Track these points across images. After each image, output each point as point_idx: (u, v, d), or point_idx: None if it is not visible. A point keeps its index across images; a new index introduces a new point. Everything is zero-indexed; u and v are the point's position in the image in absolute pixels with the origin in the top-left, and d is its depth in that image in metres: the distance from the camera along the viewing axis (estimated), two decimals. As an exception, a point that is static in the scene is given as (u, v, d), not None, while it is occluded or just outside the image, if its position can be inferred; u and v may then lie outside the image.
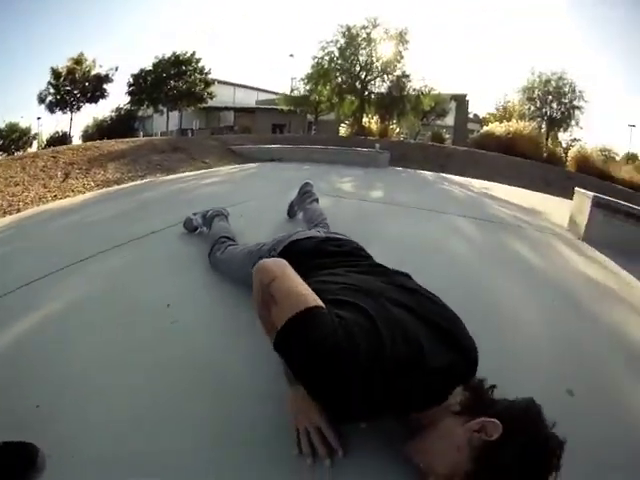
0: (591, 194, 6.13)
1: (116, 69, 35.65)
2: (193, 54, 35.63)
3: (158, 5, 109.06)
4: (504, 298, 3.21)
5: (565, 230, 6.33)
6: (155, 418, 1.67)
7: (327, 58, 27.93)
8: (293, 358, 1.45)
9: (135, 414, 1.68)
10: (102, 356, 2.00)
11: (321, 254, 2.37)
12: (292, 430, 1.61)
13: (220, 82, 38.43)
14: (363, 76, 28.09)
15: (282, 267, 1.68)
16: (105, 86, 35.83)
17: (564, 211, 7.01)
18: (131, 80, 35.35)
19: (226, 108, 44.27)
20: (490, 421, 1.37)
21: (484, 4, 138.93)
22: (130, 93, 35.78)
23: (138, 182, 7.78)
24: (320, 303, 1.50)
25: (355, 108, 28.52)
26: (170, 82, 34.50)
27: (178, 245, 3.61)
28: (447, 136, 32.27)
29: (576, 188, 6.86)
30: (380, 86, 28.79)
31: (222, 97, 40.10)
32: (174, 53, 35.37)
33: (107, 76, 35.50)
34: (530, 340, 2.61)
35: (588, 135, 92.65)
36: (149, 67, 35.26)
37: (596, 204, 5.95)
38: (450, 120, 38.77)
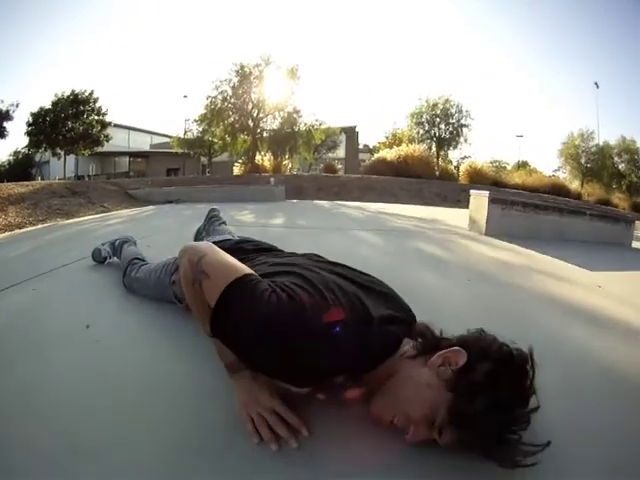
0: (486, 192, 6.52)
1: (17, 105, 33.15)
2: (91, 93, 34.14)
3: (62, 38, 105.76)
4: (423, 285, 3.37)
5: (466, 230, 6.70)
6: (96, 433, 1.46)
7: (220, 97, 28.03)
8: (235, 329, 1.39)
9: (73, 431, 1.48)
10: (30, 378, 1.82)
11: (240, 252, 2.32)
12: (246, 421, 1.47)
13: (115, 126, 37.23)
14: (255, 114, 28.35)
15: (209, 245, 1.67)
16: (5, 124, 32.40)
17: (462, 216, 7.45)
18: (30, 119, 33.26)
19: (121, 153, 43.37)
20: (451, 350, 1.38)
21: (373, 39, 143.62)
22: (29, 133, 33.26)
23: (41, 225, 7.60)
24: (253, 272, 1.50)
25: (248, 146, 28.64)
26: (68, 123, 32.71)
27: (89, 275, 3.45)
28: (339, 166, 32.96)
29: (472, 191, 7.23)
30: (272, 123, 29.22)
31: (117, 141, 38.77)
32: (73, 91, 33.66)
33: (7, 113, 31.92)
34: (457, 311, 2.77)
35: (481, 149, 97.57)
36: (48, 106, 33.40)
37: (493, 200, 6.39)
38: (342, 152, 39.49)
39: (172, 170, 37.13)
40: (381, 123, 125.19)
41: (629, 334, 2.56)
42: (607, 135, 53.23)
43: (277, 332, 1.32)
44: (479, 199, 6.73)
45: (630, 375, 2.01)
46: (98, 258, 3.72)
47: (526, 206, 6.64)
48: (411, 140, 36.00)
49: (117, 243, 3.69)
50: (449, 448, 1.32)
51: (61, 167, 34.60)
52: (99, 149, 34.95)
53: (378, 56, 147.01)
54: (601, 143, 39.13)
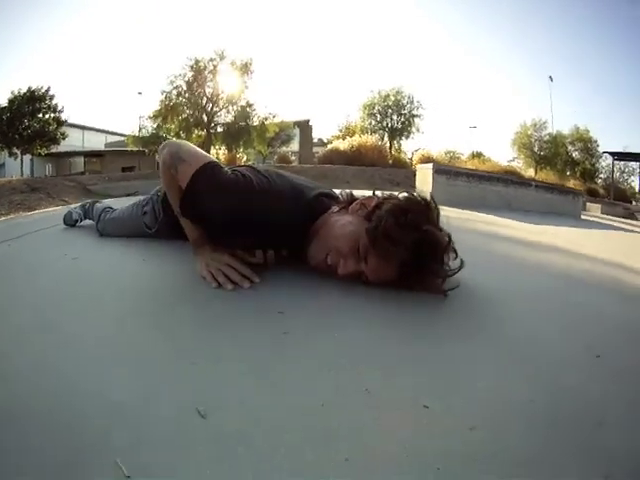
0: (430, 164, 6.92)
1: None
2: (48, 90, 32.80)
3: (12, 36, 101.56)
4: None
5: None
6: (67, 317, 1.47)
7: (175, 92, 27.86)
8: (204, 200, 1.66)
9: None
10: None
11: None
12: (206, 275, 1.66)
13: (69, 125, 35.72)
14: (210, 108, 28.33)
15: (186, 141, 1.91)
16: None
17: None
18: (-14, 117, 31.66)
19: (76, 153, 42.32)
20: (365, 197, 1.74)
21: (324, 32, 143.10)
22: (-15, 133, 31.50)
23: (4, 218, 7.62)
24: (218, 161, 1.77)
25: (202, 141, 27.99)
26: (25, 121, 31.54)
27: (62, 232, 3.29)
28: (293, 158, 33.19)
29: (417, 165, 7.57)
30: (226, 117, 29.18)
31: (71, 141, 37.22)
32: (30, 88, 32.45)
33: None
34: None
35: (435, 141, 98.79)
36: (4, 104, 31.93)
37: (437, 171, 6.76)
38: (295, 146, 39.39)
39: (127, 169, 36.28)
40: (334, 117, 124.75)
41: (553, 251, 3.38)
42: (560, 126, 54.45)
43: (237, 198, 1.63)
44: (424, 171, 7.05)
45: (560, 266, 2.72)
46: (69, 221, 3.43)
47: (470, 176, 7.07)
48: (364, 131, 36.69)
49: (87, 205, 3.50)
50: (376, 281, 1.61)
51: (15, 169, 33.14)
52: (55, 148, 34.15)
53: (330, 50, 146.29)
54: (554, 132, 40.37)
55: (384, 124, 38.99)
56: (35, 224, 4.10)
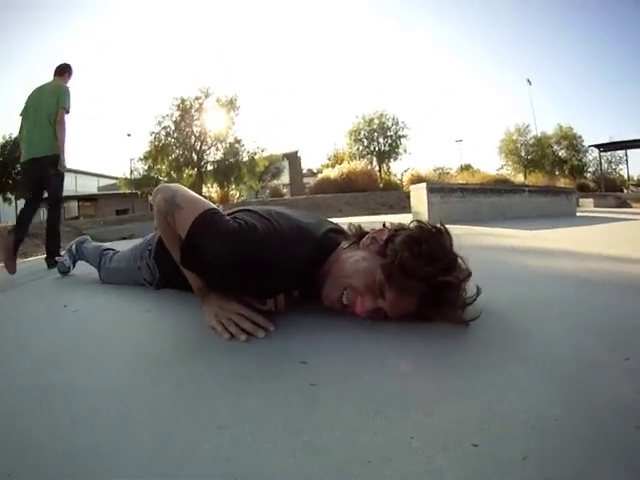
0: (424, 184, 6.96)
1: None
2: None
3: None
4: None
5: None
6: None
7: (164, 133, 27.94)
8: (206, 251, 1.54)
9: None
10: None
11: None
12: (216, 326, 1.59)
13: None
14: (199, 147, 28.42)
15: (179, 185, 1.81)
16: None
17: (406, 218, 7.75)
18: (-21, 163, 31.82)
19: (70, 197, 41.42)
20: (375, 231, 1.66)
21: (303, 62, 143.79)
22: (-21, 179, 32.10)
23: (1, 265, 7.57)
24: (217, 207, 1.66)
25: (193, 180, 28.34)
26: (17, 165, 30.17)
27: (59, 280, 3.50)
28: (285, 190, 33.31)
29: (411, 186, 7.60)
30: (215, 154, 29.30)
31: (65, 185, 37.29)
32: None
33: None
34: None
35: (423, 159, 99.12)
36: None
37: (431, 190, 6.82)
38: (286, 178, 39.42)
39: (121, 211, 36.50)
40: (322, 146, 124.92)
41: (558, 255, 3.53)
42: (544, 127, 54.96)
43: (242, 248, 1.51)
44: (418, 191, 7.11)
45: (572, 270, 2.75)
46: (64, 270, 3.65)
47: (464, 191, 7.10)
48: (352, 157, 37.03)
49: (73, 247, 3.56)
50: (395, 316, 1.54)
51: (10, 215, 32.98)
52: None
53: (312, 79, 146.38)
54: (539, 134, 40.99)
55: (371, 148, 39.58)
56: (29, 273, 4.15)
